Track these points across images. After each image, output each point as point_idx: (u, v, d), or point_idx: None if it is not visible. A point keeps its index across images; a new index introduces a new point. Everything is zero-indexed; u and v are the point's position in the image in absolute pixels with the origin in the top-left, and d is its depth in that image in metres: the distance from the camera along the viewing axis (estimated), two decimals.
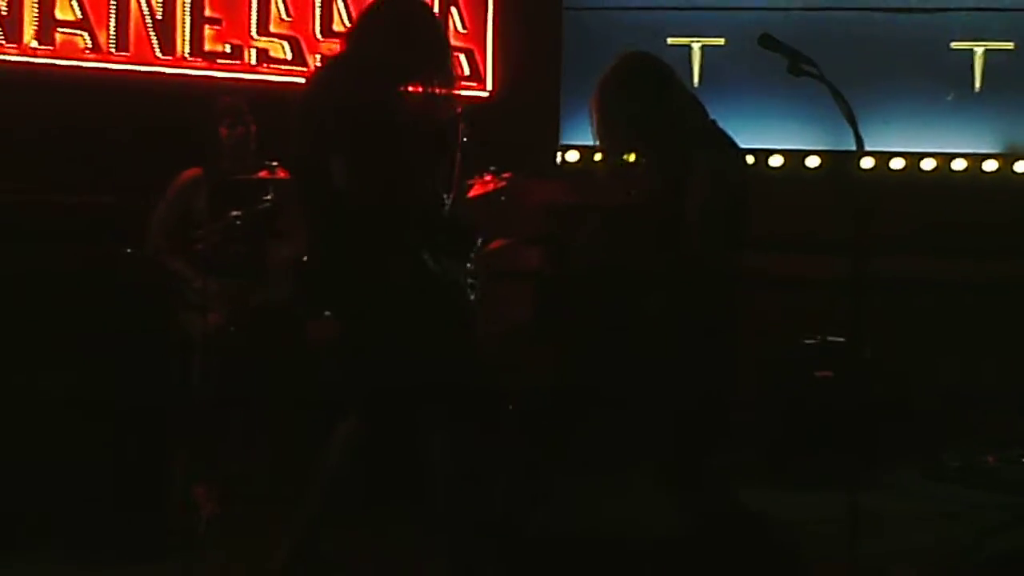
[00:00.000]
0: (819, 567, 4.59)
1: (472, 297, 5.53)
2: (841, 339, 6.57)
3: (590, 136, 4.46)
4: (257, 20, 6.88)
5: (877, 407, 5.54)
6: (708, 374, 4.30)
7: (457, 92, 4.64)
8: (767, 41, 4.16)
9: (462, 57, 7.44)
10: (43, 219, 5.79)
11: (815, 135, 7.42)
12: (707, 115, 4.45)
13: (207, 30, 6.77)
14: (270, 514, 5.01)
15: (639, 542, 5.26)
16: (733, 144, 4.41)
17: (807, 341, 6.74)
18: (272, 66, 6.91)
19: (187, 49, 6.70)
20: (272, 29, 6.93)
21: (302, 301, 5.43)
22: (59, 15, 6.38)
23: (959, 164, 7.48)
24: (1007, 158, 7.49)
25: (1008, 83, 7.44)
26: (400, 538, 5.13)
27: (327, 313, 4.80)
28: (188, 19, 6.69)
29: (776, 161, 7.56)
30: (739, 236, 4.31)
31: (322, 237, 4.53)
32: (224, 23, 6.82)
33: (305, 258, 5.22)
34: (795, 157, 7.56)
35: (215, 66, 6.78)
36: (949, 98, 7.49)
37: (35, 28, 6.30)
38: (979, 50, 7.48)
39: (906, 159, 7.50)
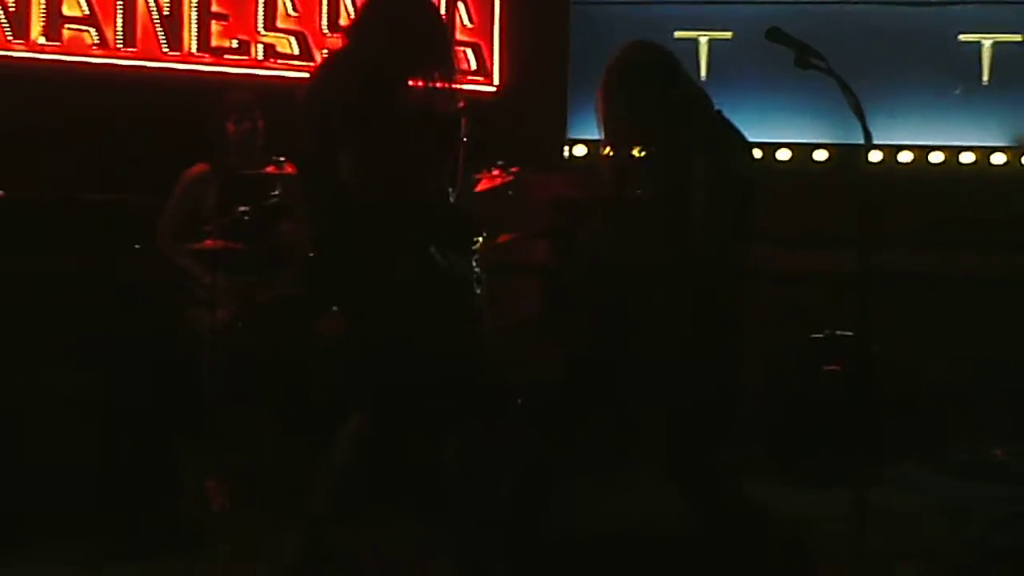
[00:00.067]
0: (825, 563, 4.59)
1: (478, 292, 5.53)
2: (849, 333, 6.57)
3: (596, 129, 4.46)
4: (264, 15, 6.88)
5: (884, 402, 5.53)
6: (714, 369, 4.29)
7: (459, 86, 4.62)
8: (775, 34, 4.15)
9: (469, 52, 7.44)
10: (50, 215, 5.79)
11: (823, 128, 7.41)
12: (713, 106, 4.44)
13: (214, 26, 6.77)
14: (279, 509, 5.03)
15: (644, 539, 5.26)
16: (740, 136, 4.40)
17: (814, 336, 6.73)
18: (279, 61, 6.91)
19: (194, 45, 6.70)
20: (279, 24, 6.94)
21: (310, 297, 5.44)
22: (66, 11, 6.39)
23: (967, 157, 7.47)
24: (1015, 151, 7.47)
25: (1016, 75, 7.43)
26: (406, 536, 5.13)
27: (335, 309, 4.80)
28: (195, 15, 6.69)
29: (784, 155, 7.55)
30: (745, 231, 4.30)
31: (329, 232, 4.53)
32: (231, 19, 6.83)
33: (312, 254, 5.22)
34: (803, 151, 7.55)
35: (222, 61, 6.79)
36: (957, 91, 7.48)
37: (42, 24, 6.31)
38: (987, 42, 7.46)
39: (914, 152, 7.49)
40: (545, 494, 4.49)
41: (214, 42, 6.77)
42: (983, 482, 6.29)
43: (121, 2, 6.48)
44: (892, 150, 7.42)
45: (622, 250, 4.43)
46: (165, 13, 6.61)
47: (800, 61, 4.11)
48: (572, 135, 7.64)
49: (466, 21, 7.44)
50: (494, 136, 5.76)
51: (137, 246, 5.79)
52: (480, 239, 5.54)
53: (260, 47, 6.88)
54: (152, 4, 6.56)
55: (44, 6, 6.30)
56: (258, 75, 6.83)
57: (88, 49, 6.44)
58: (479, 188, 5.81)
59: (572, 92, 7.57)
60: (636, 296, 4.33)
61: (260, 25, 6.88)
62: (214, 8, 6.76)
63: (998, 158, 7.46)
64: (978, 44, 7.47)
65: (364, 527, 4.89)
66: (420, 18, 4.52)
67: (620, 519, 5.56)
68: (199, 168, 6.02)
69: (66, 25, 6.39)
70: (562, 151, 7.64)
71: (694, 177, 4.19)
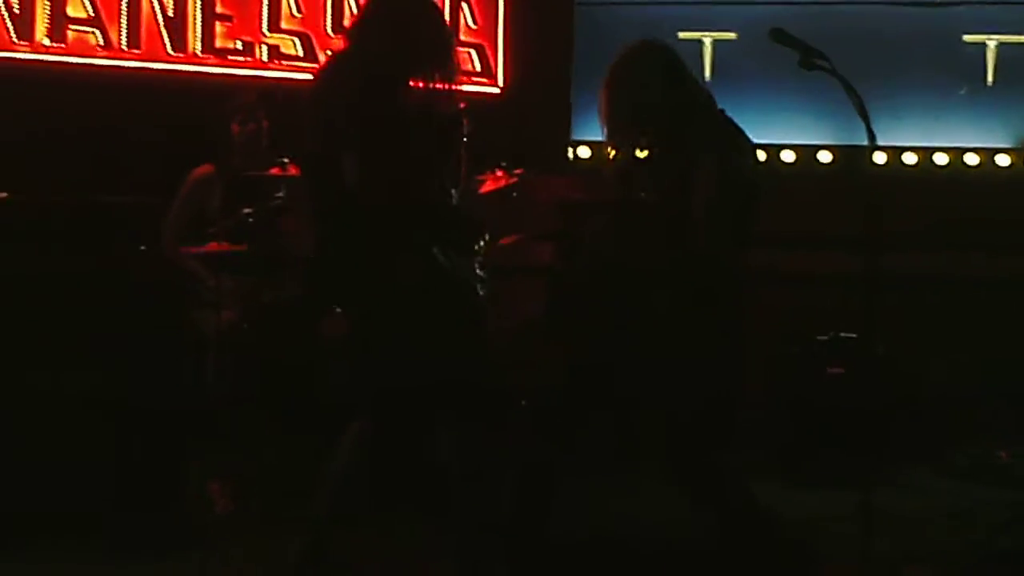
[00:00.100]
0: (831, 565, 4.58)
1: (482, 293, 5.52)
2: (853, 335, 6.56)
3: (600, 129, 4.45)
4: (268, 17, 6.88)
5: (889, 404, 5.53)
6: (716, 370, 4.29)
7: (459, 87, 4.62)
8: (779, 35, 4.15)
9: (473, 53, 7.44)
10: (54, 217, 5.79)
11: (827, 130, 7.40)
12: (716, 106, 4.44)
13: (218, 27, 6.76)
14: (283, 512, 5.02)
15: (647, 541, 5.26)
16: (745, 137, 4.40)
17: (819, 337, 6.72)
18: (283, 62, 6.91)
19: (198, 46, 6.70)
20: (283, 25, 6.93)
21: (314, 298, 5.44)
22: (71, 12, 6.38)
23: (972, 159, 7.46)
24: (1020, 152, 7.46)
25: (1021, 76, 7.42)
26: (407, 538, 5.13)
27: (338, 310, 4.80)
28: (200, 16, 6.69)
29: (788, 156, 7.54)
30: (748, 232, 4.30)
31: (332, 234, 4.53)
32: (235, 20, 6.82)
33: (315, 255, 5.21)
34: (807, 152, 7.54)
35: (226, 63, 6.78)
36: (962, 92, 7.47)
37: (47, 25, 6.30)
38: (992, 43, 7.45)
39: (919, 154, 7.48)
40: (548, 496, 4.49)
41: (218, 43, 6.76)
42: (988, 485, 6.28)
43: (126, 3, 6.47)
44: (896, 151, 7.41)
45: (624, 251, 4.43)
46: (169, 14, 6.60)
47: (804, 62, 4.11)
48: (576, 137, 7.64)
49: (470, 22, 7.44)
50: (498, 138, 5.76)
51: (143, 247, 5.79)
52: (483, 241, 5.54)
53: (264, 48, 6.88)
54: (156, 5, 6.56)
55: (48, 7, 6.30)
56: (262, 76, 6.82)
57: (92, 50, 6.44)
58: (484, 190, 5.80)
59: (576, 94, 7.56)
60: (638, 297, 4.33)
61: (264, 26, 6.88)
62: (218, 9, 6.76)
63: (1003, 159, 7.45)
64: (983, 45, 7.46)
65: (365, 529, 4.89)
66: (421, 17, 4.52)
67: (623, 521, 5.55)
68: (204, 169, 6.01)
69: (70, 26, 6.39)
70: (566, 153, 7.64)
71: (697, 177, 4.19)
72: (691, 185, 4.18)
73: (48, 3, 6.29)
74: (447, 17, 7.19)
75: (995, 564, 5.00)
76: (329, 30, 7.01)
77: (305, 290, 5.69)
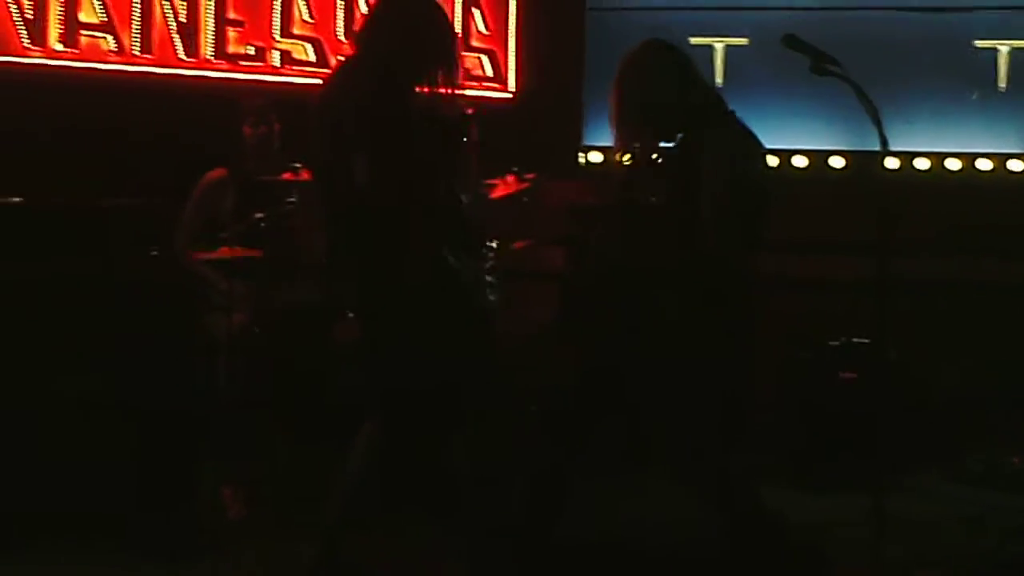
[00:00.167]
0: (842, 570, 4.57)
1: (492, 297, 5.53)
2: (865, 340, 6.55)
3: (610, 130, 4.45)
4: (280, 22, 6.89)
5: (901, 409, 5.52)
6: (724, 372, 4.29)
7: (464, 90, 4.64)
8: (792, 41, 4.14)
9: (485, 58, 7.44)
10: (67, 221, 5.81)
11: (839, 135, 7.39)
12: (727, 107, 4.43)
13: (230, 32, 6.78)
14: (295, 516, 5.03)
15: (657, 544, 5.25)
16: (756, 140, 4.39)
17: (832, 343, 6.71)
18: (295, 68, 6.92)
19: (210, 51, 6.71)
20: (295, 31, 6.95)
21: (328, 302, 5.44)
22: (83, 18, 6.39)
23: (984, 164, 7.44)
24: None
25: None
26: (417, 541, 5.13)
27: (351, 314, 4.81)
28: (211, 21, 6.70)
29: (800, 161, 7.53)
30: (757, 234, 4.29)
31: (343, 237, 4.54)
32: (247, 25, 6.83)
33: (327, 259, 5.22)
34: (819, 157, 7.53)
35: (238, 68, 6.79)
36: (974, 97, 7.45)
37: (60, 31, 6.32)
38: (1004, 48, 7.43)
39: (931, 159, 7.46)
40: (558, 499, 4.49)
41: (230, 49, 6.78)
42: (1000, 490, 6.26)
43: (138, 9, 6.49)
44: (909, 157, 7.39)
45: (631, 253, 4.43)
46: (182, 20, 6.62)
47: (816, 68, 4.10)
48: (587, 142, 7.64)
49: (481, 28, 7.45)
50: (509, 142, 5.76)
51: (154, 251, 5.80)
52: (492, 244, 5.54)
53: (276, 54, 6.89)
54: (169, 11, 6.57)
55: (61, 13, 6.31)
56: (274, 81, 6.83)
57: (105, 56, 6.45)
58: (495, 194, 5.81)
59: (587, 99, 7.57)
60: (646, 299, 4.33)
61: (276, 31, 6.89)
62: (230, 15, 6.77)
63: (1016, 165, 7.42)
64: (994, 51, 7.44)
65: (375, 532, 4.89)
66: (427, 20, 4.55)
67: (632, 523, 5.55)
68: (217, 173, 6.02)
69: (83, 32, 6.40)
70: (577, 158, 7.64)
71: (707, 179, 4.18)
72: (701, 186, 4.18)
73: (61, 8, 6.31)
74: (458, 22, 7.22)
75: (1007, 569, 4.99)
76: (340, 35, 7.03)
77: (319, 293, 5.69)
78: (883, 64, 6.91)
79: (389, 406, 4.48)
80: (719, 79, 7.51)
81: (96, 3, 6.39)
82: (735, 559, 4.35)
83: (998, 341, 6.93)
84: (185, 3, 6.61)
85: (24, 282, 5.37)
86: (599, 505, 5.48)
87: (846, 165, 7.48)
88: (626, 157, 4.47)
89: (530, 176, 5.89)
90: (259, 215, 5.65)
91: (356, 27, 6.86)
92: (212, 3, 6.69)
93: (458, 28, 7.20)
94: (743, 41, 7.57)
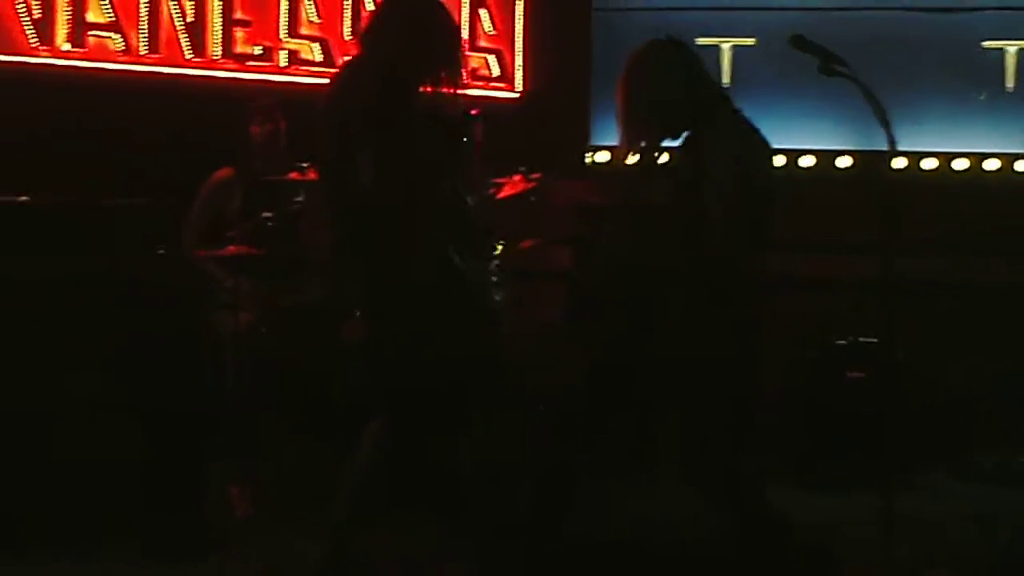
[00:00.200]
0: (851, 570, 4.57)
1: (499, 297, 5.53)
2: (873, 340, 6.55)
3: (616, 128, 4.45)
4: (287, 22, 6.90)
5: (909, 408, 5.52)
6: (731, 372, 4.28)
7: (465, 89, 4.64)
8: (799, 42, 4.14)
9: (492, 58, 7.45)
10: (74, 220, 5.81)
11: (846, 135, 7.39)
12: (733, 105, 4.43)
13: (237, 32, 6.78)
14: (302, 514, 5.03)
15: (665, 544, 5.25)
16: (763, 140, 4.39)
17: (839, 342, 6.71)
18: (302, 68, 6.92)
19: (218, 51, 6.72)
20: (302, 31, 6.95)
21: (334, 301, 5.45)
22: (91, 18, 6.40)
23: (991, 164, 7.44)
24: None
25: None
26: (423, 540, 5.13)
27: (358, 313, 4.82)
28: (219, 21, 6.71)
29: (807, 161, 7.53)
30: (764, 233, 4.29)
31: (350, 237, 4.54)
32: (254, 25, 6.83)
33: (333, 258, 5.23)
34: (826, 157, 7.53)
35: (245, 68, 6.80)
36: (981, 97, 7.45)
37: (67, 31, 6.33)
38: (1011, 49, 7.44)
39: (938, 159, 7.46)
40: (566, 499, 4.49)
41: (238, 48, 6.78)
42: (1009, 489, 6.26)
43: (145, 9, 6.50)
44: (916, 157, 7.39)
45: (639, 253, 4.42)
46: (189, 20, 6.62)
47: (824, 68, 4.09)
48: (594, 141, 7.64)
49: (488, 28, 7.45)
50: (516, 142, 5.76)
51: (161, 251, 5.81)
52: (498, 244, 5.55)
53: (284, 53, 6.90)
54: (176, 11, 6.58)
55: (69, 13, 6.32)
56: (281, 81, 6.84)
57: (112, 55, 6.46)
58: (502, 194, 5.81)
59: (594, 98, 7.57)
60: (654, 299, 4.33)
61: (283, 31, 6.90)
62: (237, 15, 6.78)
63: (1023, 165, 7.42)
64: (1001, 51, 7.44)
65: (382, 531, 4.90)
66: (432, 19, 4.55)
67: (640, 523, 5.55)
68: (224, 173, 6.03)
69: (91, 31, 6.41)
70: (584, 157, 7.64)
71: (714, 178, 4.18)
72: (708, 185, 4.17)
73: (68, 8, 6.31)
74: (465, 22, 7.23)
75: (1017, 568, 4.99)
76: (347, 35, 7.03)
77: (325, 292, 5.70)
78: (890, 65, 6.91)
79: (395, 406, 4.48)
80: (726, 79, 7.51)
81: (103, 3, 6.40)
82: (743, 559, 4.34)
83: (1005, 340, 6.92)
84: (193, 3, 6.62)
85: (31, 281, 5.38)
86: (606, 504, 5.48)
87: (853, 165, 7.48)
88: (632, 156, 4.47)
89: (537, 176, 5.90)
90: (266, 214, 5.66)
91: (362, 26, 6.91)
92: (219, 3, 6.69)
93: (465, 28, 7.22)
94: (750, 41, 7.58)
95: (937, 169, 7.45)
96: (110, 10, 6.42)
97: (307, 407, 5.59)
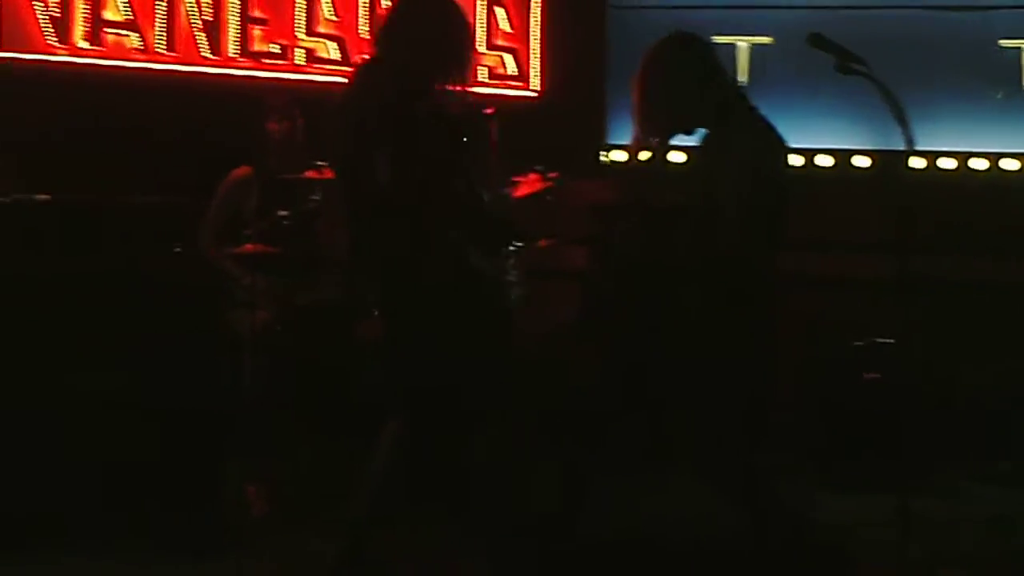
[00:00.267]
0: (866, 570, 4.56)
1: (515, 296, 5.53)
2: (890, 341, 6.53)
3: (632, 125, 4.44)
4: (304, 20, 6.90)
5: (925, 409, 5.50)
6: (746, 371, 4.27)
7: (472, 87, 4.65)
8: (817, 40, 4.12)
9: (508, 57, 7.44)
10: (92, 218, 5.83)
11: (864, 134, 7.37)
12: (749, 102, 4.42)
13: (254, 30, 6.80)
14: (319, 513, 5.04)
15: (679, 542, 5.24)
16: (779, 138, 4.38)
17: (856, 343, 6.69)
18: (319, 66, 6.93)
19: (234, 49, 6.73)
20: (319, 29, 6.96)
21: (351, 300, 5.46)
22: (108, 16, 6.43)
23: (1010, 164, 7.41)
24: None
25: None
26: (437, 538, 5.13)
27: (376, 312, 4.82)
28: (235, 19, 6.72)
29: (825, 160, 7.51)
30: (780, 232, 4.28)
31: (366, 235, 4.55)
32: (271, 23, 6.85)
33: (349, 257, 5.23)
34: (843, 156, 7.51)
35: (262, 66, 6.81)
36: (999, 97, 7.42)
37: (84, 29, 6.35)
38: None
39: (956, 158, 7.44)
40: (580, 498, 4.49)
41: (254, 47, 6.80)
42: None
43: (162, 7, 6.52)
44: (933, 156, 7.37)
45: (654, 252, 4.42)
46: (206, 18, 6.64)
47: (842, 67, 4.08)
48: (610, 140, 7.63)
49: (505, 26, 7.45)
50: (533, 141, 5.76)
51: (178, 248, 5.82)
52: (515, 243, 5.54)
53: (300, 52, 6.91)
54: (193, 9, 6.59)
55: (86, 11, 6.34)
56: (298, 79, 6.85)
57: (129, 53, 6.48)
58: (518, 193, 5.81)
59: (610, 97, 7.56)
60: (669, 298, 4.32)
61: (300, 30, 6.91)
62: (254, 13, 6.79)
63: None
64: (1018, 50, 7.42)
65: (397, 529, 4.90)
66: (446, 18, 4.55)
67: (654, 521, 5.54)
68: (242, 171, 6.04)
69: (107, 29, 6.43)
70: (600, 156, 7.63)
71: (730, 176, 4.17)
72: (723, 184, 4.17)
73: (86, 6, 6.34)
74: (481, 21, 7.23)
75: None
76: (364, 34, 7.03)
77: (342, 291, 5.71)
78: (907, 63, 6.87)
79: (410, 404, 4.48)
80: (743, 78, 7.49)
81: (120, 1, 6.42)
82: (757, 557, 4.34)
83: (1022, 341, 6.90)
84: (210, 1, 6.64)
85: (49, 279, 5.39)
86: (621, 502, 5.48)
87: (871, 164, 7.46)
88: (645, 152, 4.46)
89: (553, 175, 5.88)
90: (283, 213, 5.67)
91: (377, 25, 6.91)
92: (236, 1, 6.71)
93: (481, 27, 7.22)
94: (767, 40, 7.55)
95: (955, 169, 7.43)
96: (127, 8, 6.45)
97: (323, 406, 5.59)
